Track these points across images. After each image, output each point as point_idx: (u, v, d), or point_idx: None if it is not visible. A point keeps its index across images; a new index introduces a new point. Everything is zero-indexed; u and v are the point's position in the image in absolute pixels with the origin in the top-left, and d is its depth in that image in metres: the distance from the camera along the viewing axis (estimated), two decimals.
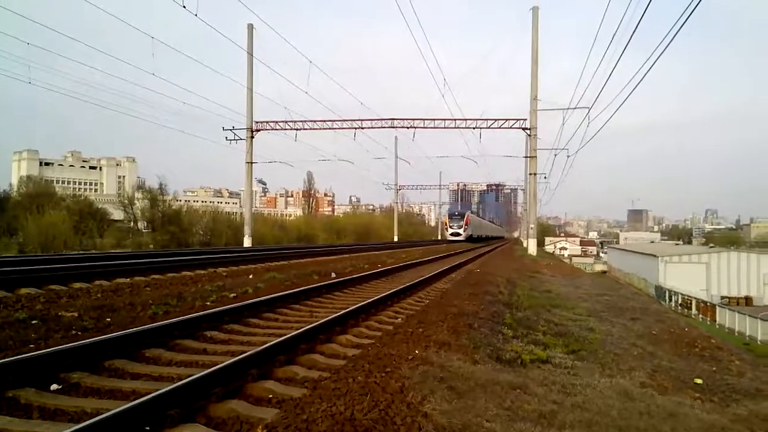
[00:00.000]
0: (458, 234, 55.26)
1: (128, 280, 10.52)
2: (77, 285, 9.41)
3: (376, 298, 8.67)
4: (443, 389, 4.32)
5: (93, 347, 4.90)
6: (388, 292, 9.46)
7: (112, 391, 4.13)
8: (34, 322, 6.28)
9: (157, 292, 9.28)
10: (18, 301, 7.48)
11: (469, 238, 56.22)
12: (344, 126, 36.84)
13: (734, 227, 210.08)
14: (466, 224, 56.30)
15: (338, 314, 6.91)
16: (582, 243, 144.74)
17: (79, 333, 6.08)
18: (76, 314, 6.89)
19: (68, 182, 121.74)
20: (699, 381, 6.76)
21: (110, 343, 5.08)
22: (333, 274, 13.61)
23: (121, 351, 5.10)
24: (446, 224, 59.41)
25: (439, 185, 78.77)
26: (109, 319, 6.86)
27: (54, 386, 4.14)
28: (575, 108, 30.11)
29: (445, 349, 5.74)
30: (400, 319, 7.55)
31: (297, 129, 36.65)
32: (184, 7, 20.18)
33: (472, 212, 76.02)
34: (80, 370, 4.50)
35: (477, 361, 5.61)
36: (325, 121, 37.23)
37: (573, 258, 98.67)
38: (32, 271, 10.11)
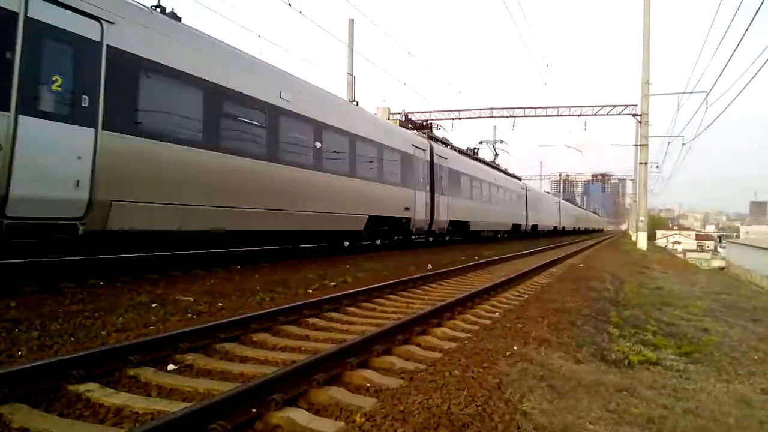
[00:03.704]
0: None
1: (240, 267, 11.15)
2: (196, 271, 10.09)
3: (473, 291, 8.59)
4: (543, 388, 4.20)
5: (206, 331, 5.26)
6: (485, 286, 9.34)
7: (222, 372, 4.41)
8: (154, 305, 6.82)
9: (265, 279, 9.76)
10: (142, 286, 8.16)
11: None
12: (442, 117, 36.67)
13: None
14: None
15: (435, 306, 6.92)
16: (698, 237, 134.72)
17: (194, 316, 6.54)
18: (191, 299, 7.41)
19: None
20: None
21: (221, 328, 5.44)
22: (429, 266, 13.63)
23: (231, 335, 5.43)
24: None
25: (540, 176, 75.94)
26: (221, 304, 7.33)
27: (170, 367, 4.49)
28: (692, 92, 27.97)
29: (545, 347, 5.58)
30: (497, 314, 7.43)
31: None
32: (290, 5, 20.91)
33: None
34: (194, 352, 4.85)
35: (580, 361, 5.40)
36: (422, 112, 37.24)
37: (687, 253, 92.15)
38: (157, 258, 10.94)
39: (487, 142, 40.21)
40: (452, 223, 23.29)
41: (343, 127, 14.46)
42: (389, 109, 20.60)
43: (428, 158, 20.78)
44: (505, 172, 37.80)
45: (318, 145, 13.24)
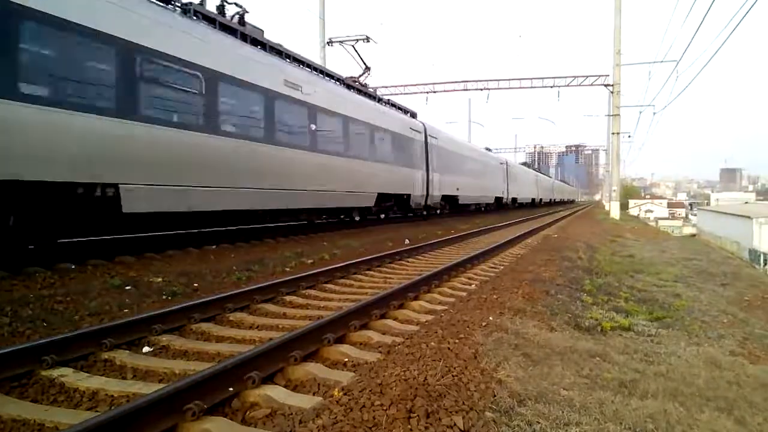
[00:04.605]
0: None
1: (215, 247, 11.03)
2: (170, 252, 9.96)
3: (449, 264, 8.65)
4: (518, 356, 4.27)
5: (181, 312, 5.22)
6: (461, 258, 9.42)
7: (198, 353, 4.40)
8: (128, 288, 6.73)
9: (241, 258, 9.69)
10: (114, 268, 8.04)
11: None
12: (416, 90, 36.48)
13: None
14: None
15: (411, 280, 6.96)
16: (669, 205, 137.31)
17: (169, 298, 6.49)
18: (166, 280, 7.33)
19: None
20: None
21: (197, 308, 5.40)
22: (407, 241, 13.70)
23: (207, 315, 5.40)
24: None
25: (515, 148, 75.99)
26: (196, 285, 7.27)
27: (145, 349, 4.47)
28: (662, 62, 28.27)
29: (520, 316, 5.66)
30: (473, 286, 7.51)
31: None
32: None
33: None
34: (169, 333, 4.83)
35: (554, 329, 5.50)
36: (396, 86, 37.01)
37: (659, 221, 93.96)
38: (130, 240, 10.75)
39: (341, 42, 20.11)
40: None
41: None
42: None
43: None
44: (376, 97, 20.16)
45: None
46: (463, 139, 33.96)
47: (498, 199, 37.40)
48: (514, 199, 42.83)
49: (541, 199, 59.16)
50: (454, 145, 27.32)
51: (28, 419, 3.07)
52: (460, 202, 27.27)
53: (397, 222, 21.62)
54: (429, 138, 22.84)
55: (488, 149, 41.38)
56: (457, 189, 26.30)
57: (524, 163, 62.85)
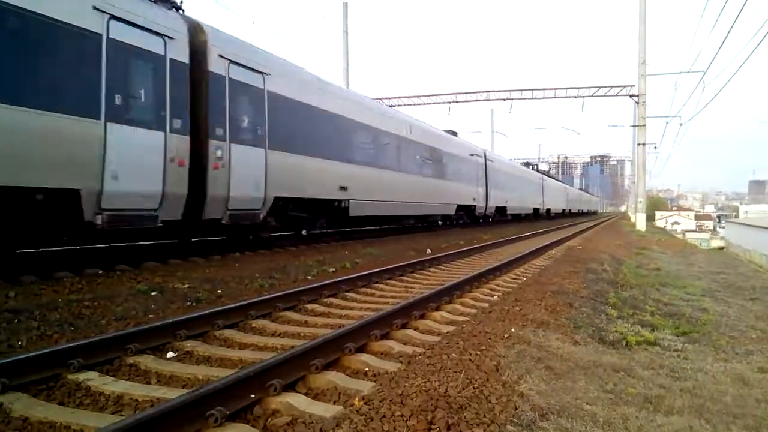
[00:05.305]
0: None
1: (238, 254, 11.15)
2: (194, 259, 10.10)
3: (471, 274, 8.61)
4: (540, 369, 4.23)
5: (205, 318, 5.29)
6: (483, 269, 9.36)
7: (221, 359, 4.44)
8: (153, 293, 6.83)
9: (264, 266, 9.77)
10: (140, 274, 8.17)
11: None
12: (439, 101, 36.50)
13: None
14: None
15: (433, 291, 6.94)
16: (697, 217, 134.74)
17: (193, 304, 6.57)
18: (191, 286, 7.42)
19: None
20: None
21: (220, 314, 5.47)
22: (428, 250, 13.68)
23: (230, 322, 5.46)
24: None
25: (538, 158, 75.36)
26: (220, 291, 7.35)
27: (170, 354, 4.53)
28: (689, 72, 27.85)
29: (543, 329, 5.60)
30: (495, 297, 7.46)
31: (391, 106, 36.72)
32: None
33: None
34: (193, 339, 4.89)
35: (577, 342, 5.43)
36: (419, 96, 37.09)
37: (687, 233, 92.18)
38: (155, 246, 10.93)
39: None
40: None
41: None
42: None
43: None
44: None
45: None
46: (369, 99, 19.43)
47: (467, 210, 26.14)
48: (500, 209, 31.21)
49: (548, 210, 47.67)
50: (331, 98, 14.26)
51: (55, 422, 3.13)
52: (352, 213, 15.06)
53: (419, 232, 21.57)
54: (212, 59, 9.91)
55: (452, 132, 26.42)
56: (344, 188, 14.52)
57: (527, 164, 50.03)
